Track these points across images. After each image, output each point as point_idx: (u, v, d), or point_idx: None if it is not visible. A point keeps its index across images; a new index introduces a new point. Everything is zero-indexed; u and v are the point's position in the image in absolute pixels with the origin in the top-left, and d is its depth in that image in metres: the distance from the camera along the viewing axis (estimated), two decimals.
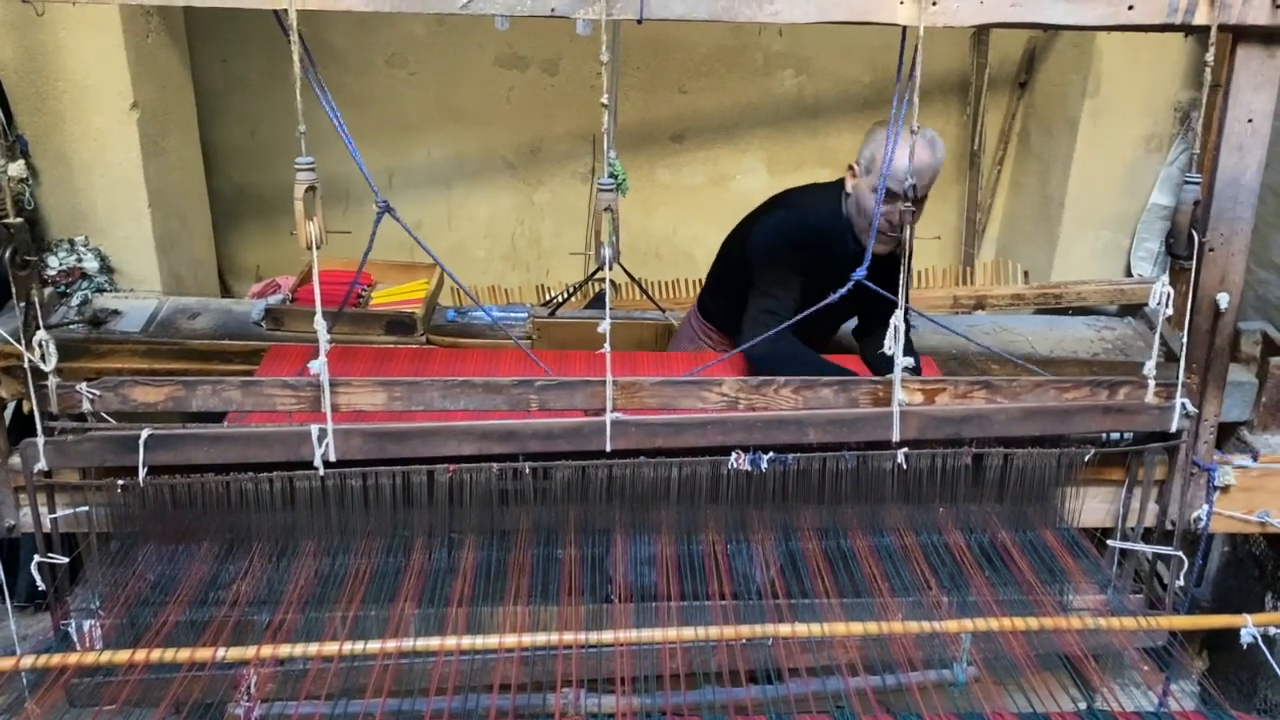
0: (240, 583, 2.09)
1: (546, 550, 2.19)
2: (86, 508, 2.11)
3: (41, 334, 1.97)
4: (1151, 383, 2.16)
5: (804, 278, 2.45)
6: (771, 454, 2.15)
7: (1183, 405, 2.16)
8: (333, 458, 2.04)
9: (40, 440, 2.00)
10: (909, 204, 2.04)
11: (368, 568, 2.13)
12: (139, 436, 2.01)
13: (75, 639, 2.08)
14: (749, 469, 2.16)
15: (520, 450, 2.12)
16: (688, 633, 1.88)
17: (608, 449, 2.09)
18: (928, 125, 2.16)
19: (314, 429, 2.02)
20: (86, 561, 2.18)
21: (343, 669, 1.93)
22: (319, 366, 1.98)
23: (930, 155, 2.30)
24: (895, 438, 2.13)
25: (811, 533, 2.23)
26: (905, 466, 2.17)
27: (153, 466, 2.05)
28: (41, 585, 2.09)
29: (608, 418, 2.07)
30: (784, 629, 1.87)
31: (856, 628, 1.90)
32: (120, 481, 2.07)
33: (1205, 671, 2.65)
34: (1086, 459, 2.24)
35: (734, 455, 2.14)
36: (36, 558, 2.07)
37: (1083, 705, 2.00)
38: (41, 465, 2.01)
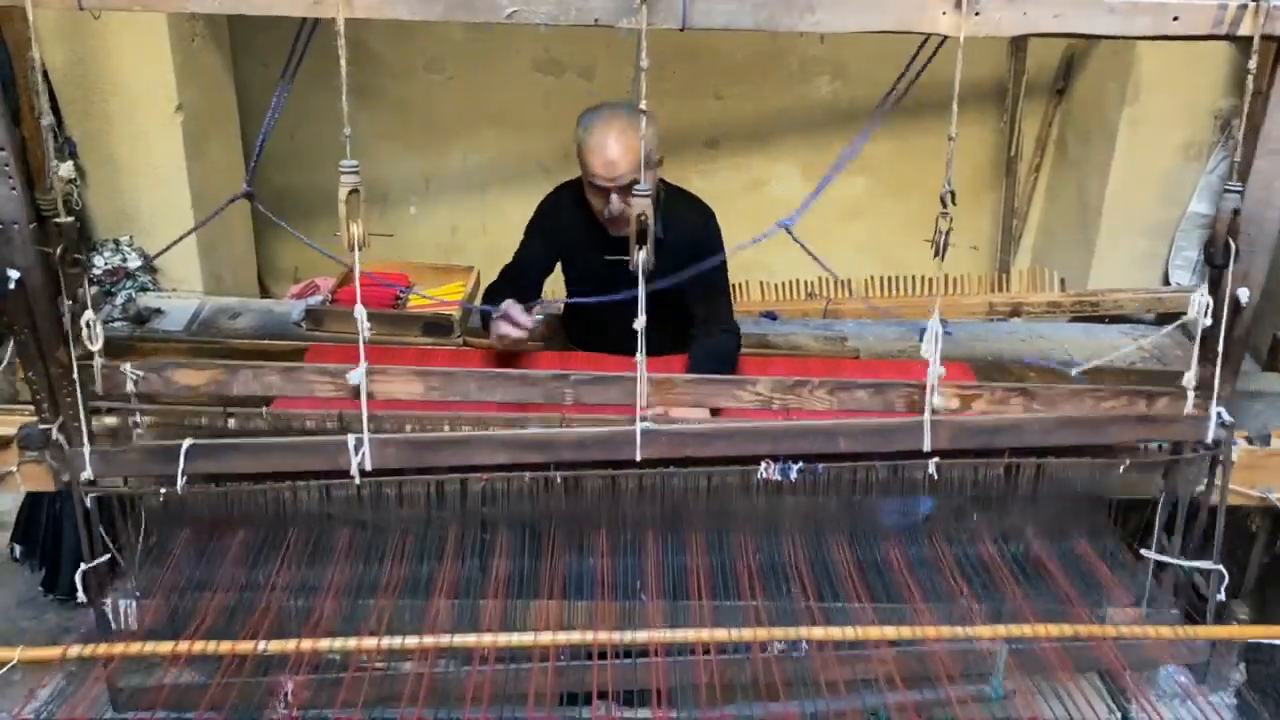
0: (275, 578, 2.13)
1: (579, 560, 2.20)
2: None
3: (89, 314, 2.01)
4: (1191, 394, 2.14)
5: (544, 250, 2.73)
6: (801, 464, 2.14)
7: (1219, 415, 2.14)
8: (369, 466, 2.07)
9: (86, 450, 2.06)
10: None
11: (399, 578, 2.16)
12: (181, 446, 2.05)
13: (112, 620, 2.12)
14: (779, 479, 2.15)
15: (553, 459, 2.14)
16: (720, 634, 1.89)
17: (638, 458, 2.09)
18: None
19: (350, 439, 2.05)
20: (125, 557, 2.22)
21: (378, 677, 1.96)
22: (358, 377, 2.02)
23: (609, 142, 2.41)
24: (926, 447, 2.13)
25: (843, 542, 2.23)
26: (936, 478, 2.17)
27: (191, 475, 2.09)
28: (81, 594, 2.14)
29: (638, 426, 2.07)
30: (818, 632, 1.87)
31: (890, 632, 1.90)
32: (162, 490, 2.12)
33: (1243, 684, 2.62)
34: (1122, 469, 2.22)
35: (763, 465, 2.14)
36: (83, 565, 2.12)
37: (1118, 716, 1.99)
38: (87, 474, 2.07)
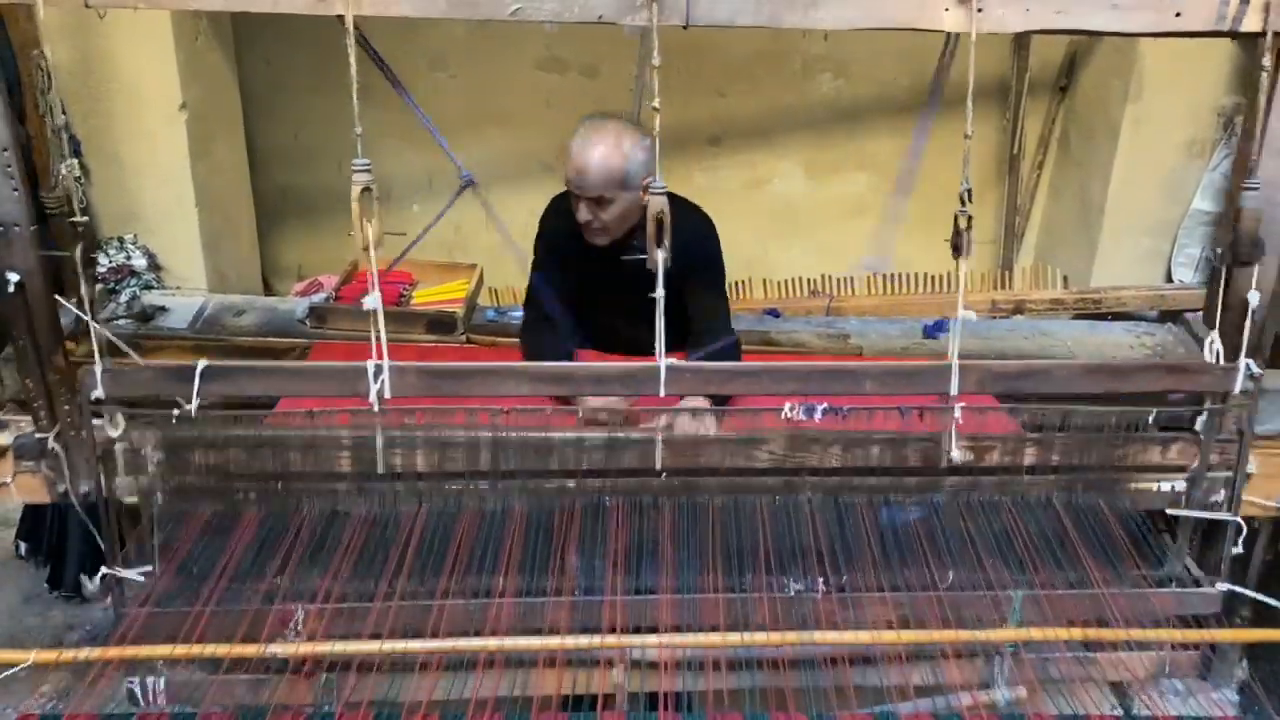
0: (283, 578, 2.13)
1: (590, 553, 2.22)
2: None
3: (94, 327, 1.99)
4: (1214, 351, 2.15)
5: (556, 266, 2.68)
6: (825, 405, 2.14)
7: (1247, 366, 2.13)
8: (388, 394, 2.04)
9: (98, 367, 2.01)
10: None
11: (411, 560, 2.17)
12: (195, 367, 2.03)
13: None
14: (803, 419, 2.15)
15: (573, 393, 2.19)
16: (733, 637, 1.92)
17: (661, 393, 2.09)
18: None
19: (370, 365, 2.02)
20: (129, 536, 2.22)
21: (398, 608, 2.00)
22: (373, 302, 1.98)
23: (585, 152, 2.41)
24: (953, 391, 2.11)
25: (863, 504, 2.26)
26: (959, 453, 2.17)
27: (199, 465, 2.09)
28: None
29: (661, 363, 2.05)
30: (831, 636, 1.89)
31: (907, 635, 1.92)
32: (174, 412, 2.07)
33: (1246, 679, 2.63)
34: (1150, 419, 2.22)
35: (787, 406, 2.13)
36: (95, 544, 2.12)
37: (1121, 712, 2.00)
38: (98, 393, 2.02)
